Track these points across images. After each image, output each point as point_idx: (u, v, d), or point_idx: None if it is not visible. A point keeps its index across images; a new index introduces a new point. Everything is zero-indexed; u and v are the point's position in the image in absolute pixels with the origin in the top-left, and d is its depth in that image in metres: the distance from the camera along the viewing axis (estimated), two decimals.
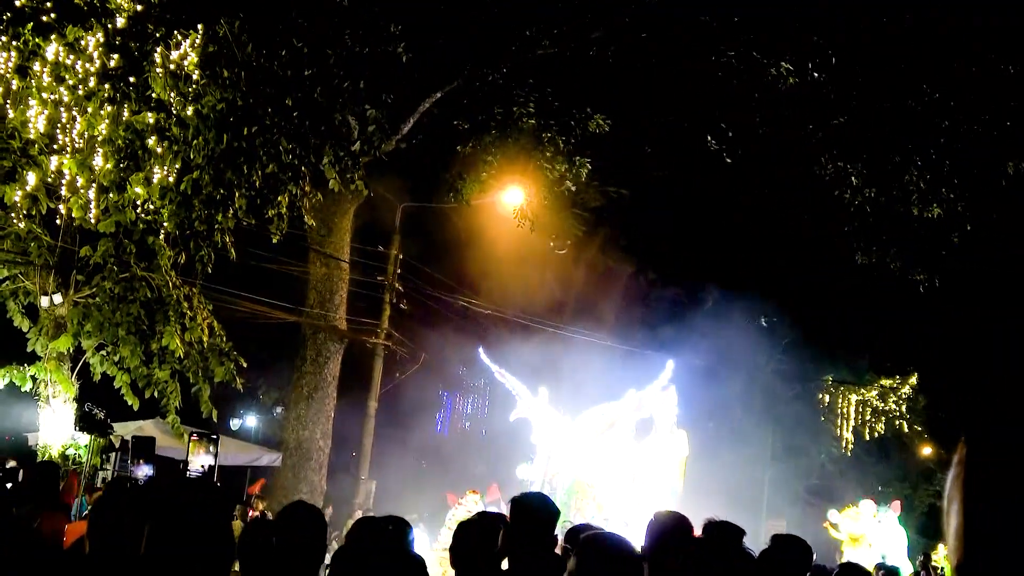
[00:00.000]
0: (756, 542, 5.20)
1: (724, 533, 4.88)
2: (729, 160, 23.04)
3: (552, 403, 19.88)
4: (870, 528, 20.29)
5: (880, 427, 35.89)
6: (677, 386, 20.15)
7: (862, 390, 35.79)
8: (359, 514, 19.88)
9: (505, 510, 5.50)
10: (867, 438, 35.82)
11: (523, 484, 19.50)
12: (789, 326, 32.50)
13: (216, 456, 19.56)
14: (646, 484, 18.82)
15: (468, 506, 16.88)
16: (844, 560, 17.83)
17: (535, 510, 4.81)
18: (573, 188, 22.86)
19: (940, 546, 24.77)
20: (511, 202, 22.64)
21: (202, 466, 19.20)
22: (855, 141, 22.22)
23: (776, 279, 29.37)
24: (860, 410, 35.92)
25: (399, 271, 24.77)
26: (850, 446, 35.63)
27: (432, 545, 16.09)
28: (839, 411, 36.01)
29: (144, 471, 16.60)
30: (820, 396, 36.11)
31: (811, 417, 35.45)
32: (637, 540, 4.54)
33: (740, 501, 26.46)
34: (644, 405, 19.35)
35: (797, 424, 34.52)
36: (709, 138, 22.63)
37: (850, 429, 35.75)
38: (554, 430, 19.37)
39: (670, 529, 4.97)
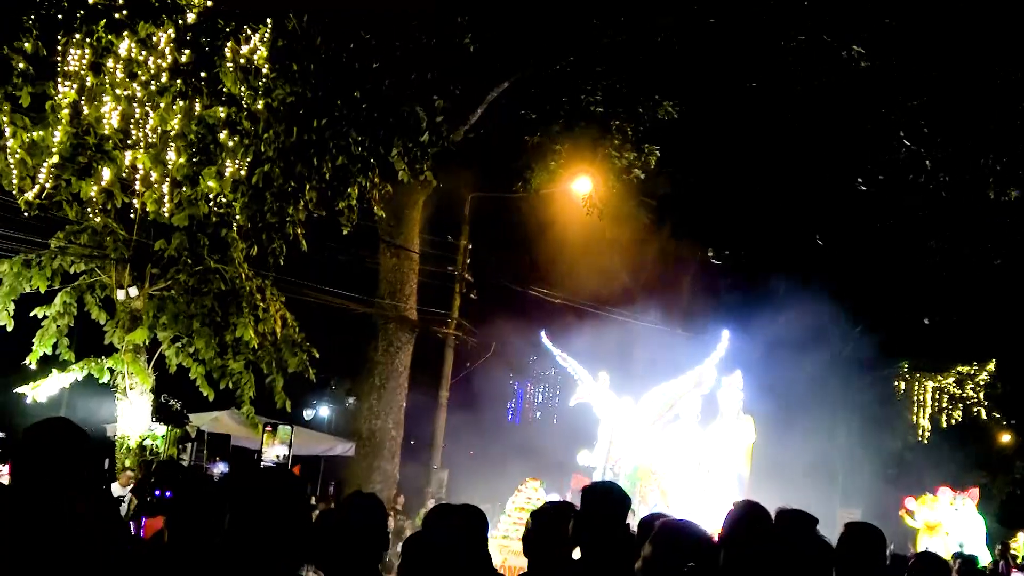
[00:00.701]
0: (833, 531, 5.17)
1: (796, 522, 4.86)
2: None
3: (617, 388, 19.74)
4: (947, 516, 20.03)
5: (957, 414, 35.30)
6: (750, 373, 19.94)
7: (938, 377, 35.21)
8: (431, 503, 19.97)
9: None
10: (943, 425, 35.26)
11: (584, 471, 19.43)
12: (863, 312, 32.02)
13: (290, 446, 19.74)
14: (712, 471, 18.65)
15: (528, 493, 16.82)
16: (921, 549, 17.62)
17: (606, 499, 4.71)
18: (642, 176, 22.72)
19: (1020, 534, 24.38)
20: (580, 191, 22.54)
21: (277, 456, 19.39)
22: (929, 124, 21.84)
23: (850, 264, 28.97)
24: (936, 397, 35.35)
25: (469, 261, 24.80)
26: (926, 434, 35.09)
27: (491, 532, 16.03)
28: (915, 398, 35.46)
29: (220, 468, 16.76)
30: (895, 383, 35.58)
31: (886, 404, 34.97)
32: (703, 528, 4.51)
33: (814, 489, 26.18)
34: (704, 380, 19.08)
35: (872, 411, 34.09)
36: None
37: (926, 416, 35.20)
38: (615, 414, 19.23)
39: (745, 518, 4.96)
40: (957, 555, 13.82)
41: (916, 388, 35.47)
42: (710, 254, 28.39)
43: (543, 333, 21.30)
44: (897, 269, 28.84)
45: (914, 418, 35.31)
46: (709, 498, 17.40)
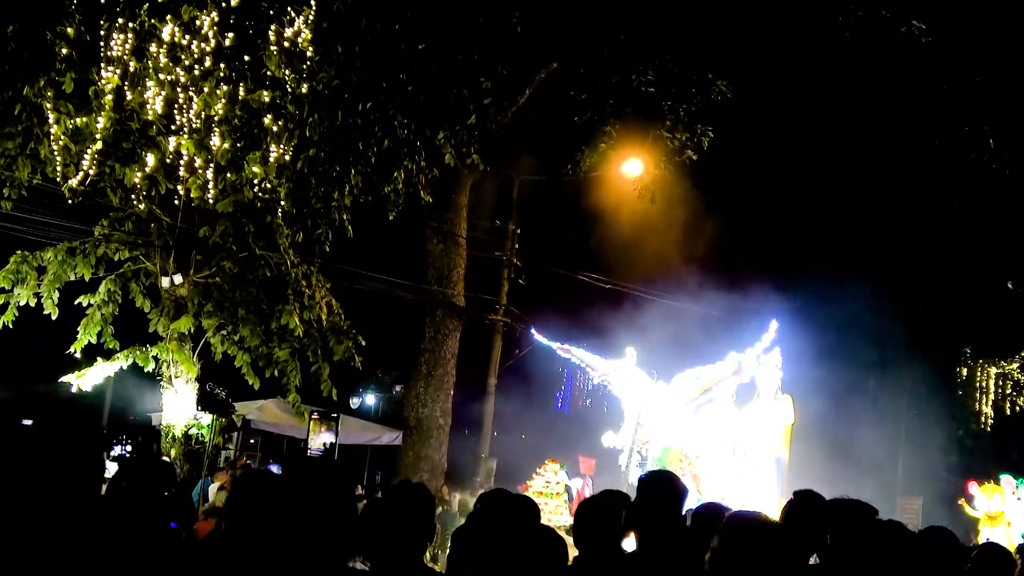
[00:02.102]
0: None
1: (854, 512, 4.83)
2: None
3: (666, 370, 19.24)
4: (1009, 506, 19.62)
5: (1022, 401, 34.69)
6: (807, 360, 19.51)
7: (1002, 362, 34.61)
8: (480, 492, 19.75)
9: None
10: (1007, 412, 34.65)
11: (609, 452, 19.07)
12: (925, 295, 31.48)
13: (336, 434, 19.64)
14: (747, 454, 18.17)
15: (547, 477, 16.61)
16: (982, 540, 17.20)
17: (663, 489, 4.66)
18: (695, 157, 22.26)
19: None
20: (630, 173, 22.15)
21: (323, 444, 19.32)
22: (993, 101, 21.26)
23: (907, 248, 28.46)
24: (1000, 383, 34.77)
25: (517, 246, 24.53)
26: (989, 421, 34.53)
27: None
28: (977, 384, 34.89)
29: (275, 469, 16.68)
30: (957, 369, 35.04)
31: (948, 390, 34.43)
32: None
33: (872, 477, 25.76)
34: (744, 369, 18.52)
35: (933, 397, 33.53)
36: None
37: (989, 403, 34.63)
38: (643, 394, 18.73)
39: (798, 509, 5.11)
40: (1022, 547, 13.42)
41: (979, 374, 34.91)
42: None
43: (533, 330, 21.02)
44: (957, 251, 28.30)
45: (977, 405, 34.74)
46: (744, 483, 17.05)
